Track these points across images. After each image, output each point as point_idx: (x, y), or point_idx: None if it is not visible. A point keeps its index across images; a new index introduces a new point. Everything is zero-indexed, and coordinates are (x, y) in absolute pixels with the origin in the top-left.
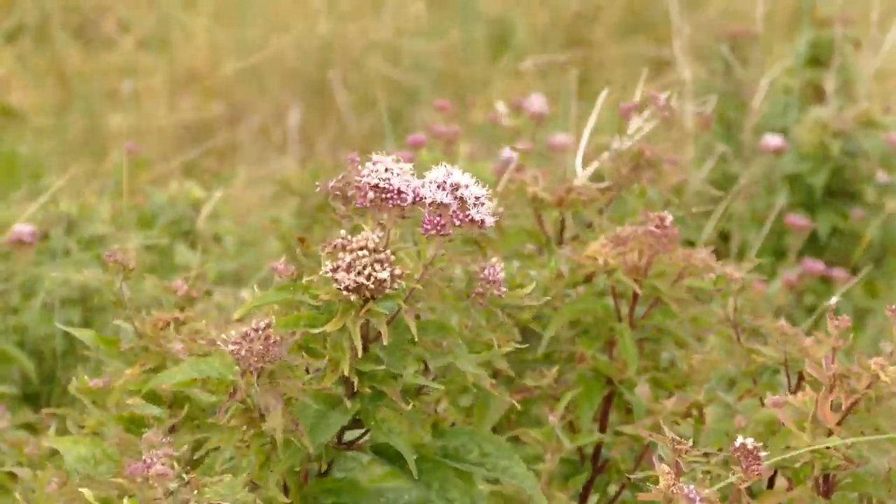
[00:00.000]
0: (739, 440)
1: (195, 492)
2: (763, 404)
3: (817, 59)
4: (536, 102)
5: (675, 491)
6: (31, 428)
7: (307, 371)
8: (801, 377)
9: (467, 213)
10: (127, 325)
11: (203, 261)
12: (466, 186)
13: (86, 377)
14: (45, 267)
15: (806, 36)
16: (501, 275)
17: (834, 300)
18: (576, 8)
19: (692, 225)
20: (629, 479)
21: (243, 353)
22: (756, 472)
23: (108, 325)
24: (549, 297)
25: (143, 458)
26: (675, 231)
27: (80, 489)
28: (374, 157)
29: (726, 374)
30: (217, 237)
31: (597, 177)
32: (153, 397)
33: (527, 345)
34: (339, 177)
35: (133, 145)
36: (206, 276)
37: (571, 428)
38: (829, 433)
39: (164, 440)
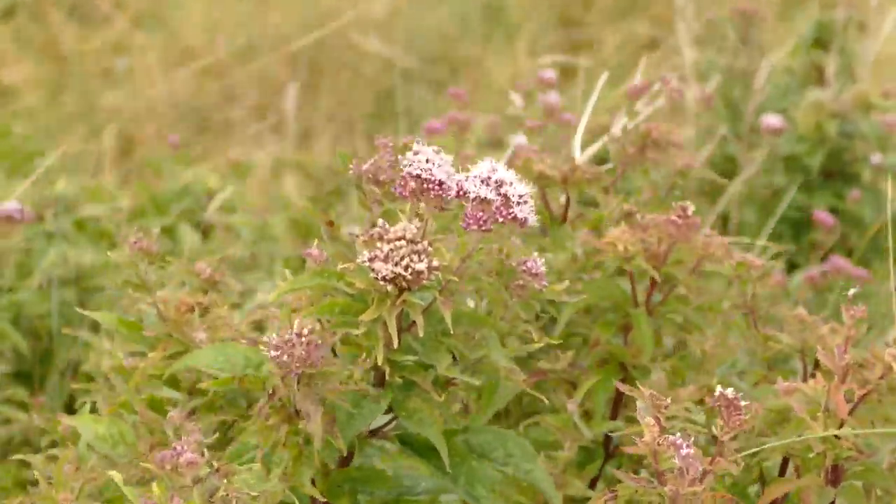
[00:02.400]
0: (719, 389)
1: (224, 480)
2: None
3: (821, 40)
4: (550, 94)
5: (661, 442)
6: (23, 406)
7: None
8: (817, 365)
9: (511, 210)
10: (150, 310)
11: (209, 246)
12: (511, 184)
13: (120, 355)
14: (39, 246)
15: (810, 17)
16: (543, 268)
17: (853, 291)
18: None
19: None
20: (642, 466)
21: (285, 358)
22: (738, 423)
23: (103, 307)
24: (559, 269)
25: (173, 445)
26: (697, 220)
27: (109, 472)
28: (416, 146)
29: (740, 362)
30: (231, 227)
31: (598, 158)
32: (173, 382)
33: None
34: (372, 160)
35: (174, 138)
36: (227, 259)
37: (586, 414)
38: (841, 423)
39: (191, 425)
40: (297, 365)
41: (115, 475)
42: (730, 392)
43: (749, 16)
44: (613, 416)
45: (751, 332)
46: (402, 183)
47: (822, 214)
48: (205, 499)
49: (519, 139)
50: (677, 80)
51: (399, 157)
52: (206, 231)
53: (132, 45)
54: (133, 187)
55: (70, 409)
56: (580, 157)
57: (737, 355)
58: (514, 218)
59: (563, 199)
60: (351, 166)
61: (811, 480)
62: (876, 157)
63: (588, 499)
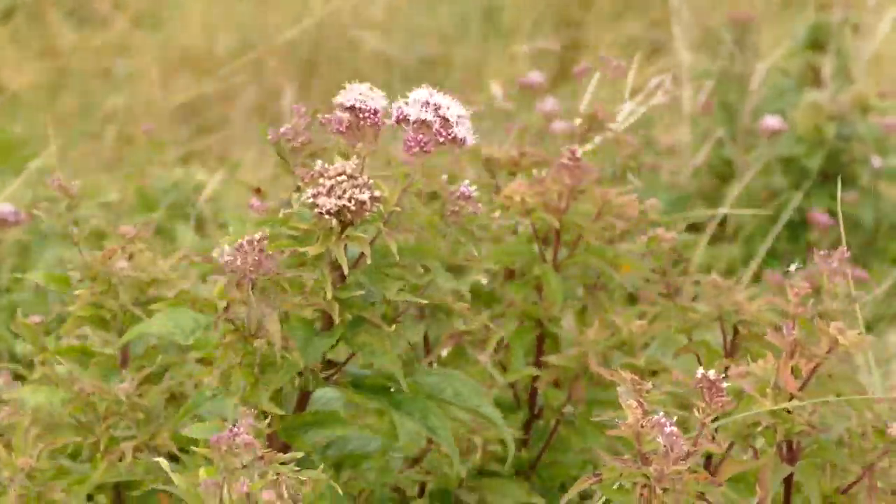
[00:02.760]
0: (700, 371)
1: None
2: (699, 361)
3: (817, 42)
4: (533, 76)
5: (644, 424)
6: None
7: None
8: (736, 331)
9: (450, 130)
10: (75, 260)
11: (205, 244)
12: (448, 106)
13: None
14: (35, 246)
15: (805, 19)
16: (475, 192)
17: (794, 267)
18: None
19: (688, 209)
20: (562, 415)
21: (238, 263)
22: (720, 405)
23: None
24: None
25: (228, 427)
26: (590, 165)
27: (156, 459)
28: (348, 84)
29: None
30: (221, 224)
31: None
32: (101, 325)
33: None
34: (290, 125)
35: (149, 126)
36: (153, 222)
37: (504, 370)
38: (791, 399)
39: (244, 409)
40: (251, 270)
41: (163, 462)
42: (711, 374)
43: (744, 21)
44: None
45: (668, 303)
46: (337, 119)
47: (818, 215)
48: (257, 482)
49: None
50: (673, 82)
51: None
52: (198, 227)
53: (131, 46)
54: (122, 184)
55: None
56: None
57: (660, 332)
58: (454, 138)
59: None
60: (268, 134)
61: (768, 459)
62: (876, 161)
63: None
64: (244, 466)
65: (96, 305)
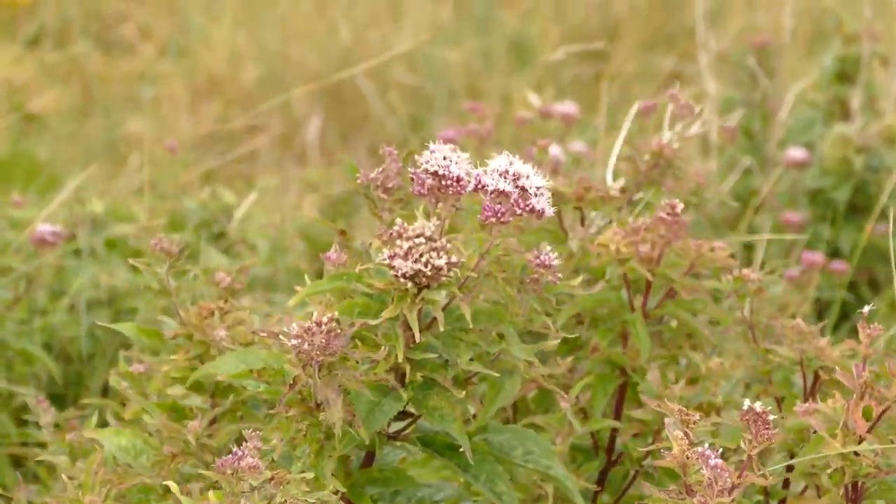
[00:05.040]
0: (747, 403)
1: (280, 488)
2: (778, 404)
3: (844, 74)
4: (566, 106)
5: (689, 455)
6: (56, 427)
7: (357, 362)
8: (816, 377)
9: (528, 202)
10: (170, 319)
11: (234, 265)
12: (528, 176)
13: (125, 364)
14: (71, 267)
15: (833, 51)
16: (556, 261)
17: (868, 308)
18: (596, 21)
19: (716, 237)
20: (641, 466)
21: (305, 346)
22: (766, 437)
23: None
24: (581, 277)
25: (233, 450)
26: (686, 219)
27: (166, 482)
28: (432, 145)
29: (742, 378)
30: (249, 243)
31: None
32: (195, 387)
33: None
34: (380, 168)
35: (173, 143)
36: (248, 269)
37: (586, 417)
38: (860, 440)
39: (250, 432)
40: (317, 353)
41: (173, 486)
42: (758, 406)
43: (767, 48)
44: (616, 420)
45: (750, 346)
46: (419, 181)
47: (789, 214)
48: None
49: (551, 150)
50: (702, 111)
51: (411, 161)
52: (227, 249)
53: (157, 74)
54: (150, 205)
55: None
56: (612, 184)
57: (738, 372)
58: (532, 209)
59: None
60: (359, 175)
61: (831, 499)
62: None
63: (585, 492)
64: (253, 489)
65: (191, 368)
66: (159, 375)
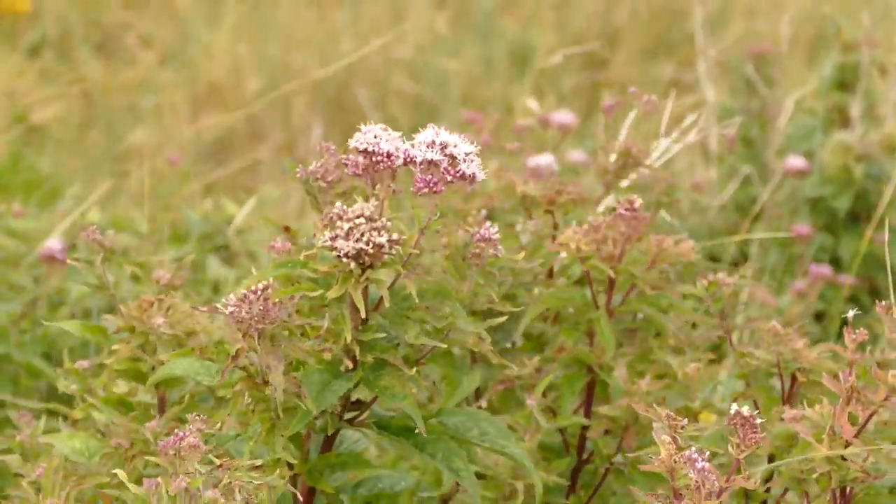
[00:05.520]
0: (734, 408)
1: (227, 473)
2: (757, 407)
3: (843, 82)
4: (563, 115)
5: (677, 460)
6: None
7: (302, 334)
8: (794, 379)
9: (458, 168)
10: (112, 317)
11: (237, 275)
12: (455, 145)
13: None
14: (72, 277)
15: (832, 59)
16: (497, 234)
17: (852, 313)
18: (596, 29)
19: (713, 246)
20: (612, 463)
21: (243, 314)
22: (754, 441)
23: None
24: (537, 262)
25: (175, 431)
26: (645, 215)
27: (115, 470)
28: (363, 126)
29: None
30: (251, 253)
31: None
32: (140, 378)
33: (503, 330)
34: (319, 162)
35: (175, 156)
36: (188, 265)
37: (554, 415)
38: (847, 445)
39: (193, 415)
40: (256, 320)
41: (121, 473)
42: (745, 410)
43: (765, 56)
44: (585, 416)
45: (727, 349)
46: (353, 161)
47: (799, 227)
48: (209, 486)
49: (541, 159)
50: (700, 120)
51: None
52: (229, 260)
53: (158, 83)
54: (151, 216)
55: None
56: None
57: (717, 377)
58: (463, 175)
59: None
60: (298, 170)
61: None
62: None
63: (557, 488)
64: (202, 475)
65: (134, 359)
66: (105, 371)
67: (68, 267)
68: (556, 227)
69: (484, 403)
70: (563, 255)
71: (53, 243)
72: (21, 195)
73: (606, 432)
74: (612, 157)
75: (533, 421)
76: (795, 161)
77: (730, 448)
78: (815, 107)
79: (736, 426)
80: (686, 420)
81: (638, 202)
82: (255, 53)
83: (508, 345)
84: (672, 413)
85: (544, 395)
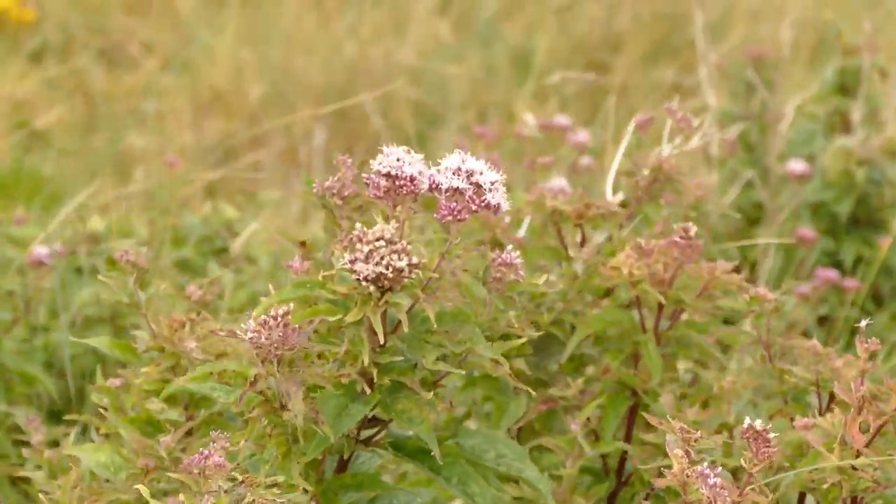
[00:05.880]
0: (747, 422)
1: (250, 490)
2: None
3: (844, 87)
4: (580, 133)
5: (689, 474)
6: (55, 444)
7: (320, 357)
8: (831, 397)
9: (483, 197)
10: (142, 333)
11: (237, 280)
12: (481, 172)
13: (101, 379)
14: (72, 284)
15: (833, 64)
16: (518, 259)
17: (864, 323)
18: (598, 34)
19: (719, 251)
20: (652, 489)
21: (262, 340)
22: (767, 455)
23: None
24: (563, 289)
25: (200, 450)
26: (700, 243)
27: (136, 486)
28: (385, 147)
29: (754, 397)
30: (251, 258)
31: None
32: (170, 399)
33: (549, 353)
34: (335, 177)
35: (174, 159)
36: (221, 281)
37: (596, 438)
38: (858, 455)
39: (217, 433)
40: (275, 346)
41: (143, 488)
42: (758, 424)
43: (766, 61)
44: (627, 442)
45: (766, 366)
46: (374, 183)
47: (803, 231)
48: (222, 498)
49: (556, 182)
50: (702, 124)
51: (366, 167)
52: (229, 264)
53: (160, 88)
54: (152, 220)
55: None
56: (612, 198)
57: (750, 391)
58: (488, 205)
59: (579, 233)
60: (314, 185)
61: None
62: None
63: None
64: (225, 491)
65: (163, 381)
66: (135, 389)
67: (61, 273)
68: (584, 240)
69: (522, 423)
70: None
71: (41, 249)
72: (23, 200)
73: (647, 457)
74: (644, 172)
75: (577, 446)
76: (797, 165)
77: (743, 462)
78: (817, 111)
79: (749, 440)
80: (700, 433)
81: (693, 230)
82: (257, 59)
83: (554, 367)
84: (685, 426)
85: (583, 412)
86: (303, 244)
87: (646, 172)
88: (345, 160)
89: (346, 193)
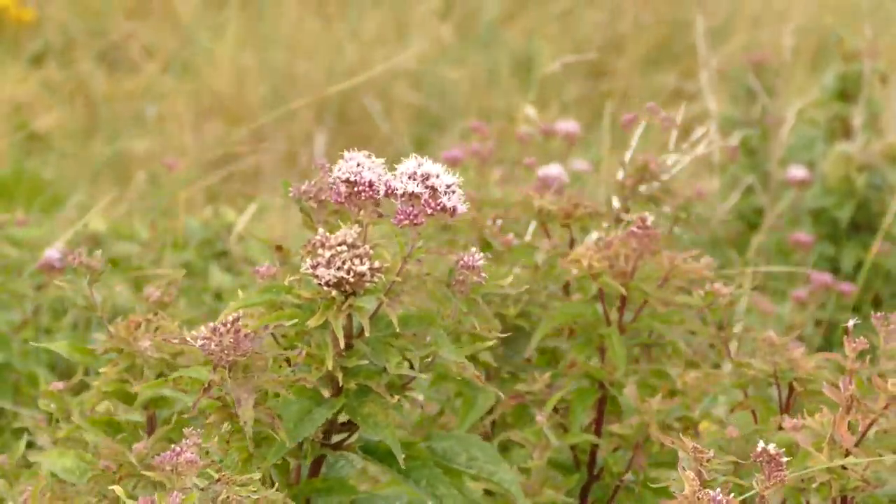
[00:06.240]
0: (761, 445)
1: (225, 488)
2: (755, 417)
3: (845, 92)
4: (569, 124)
5: (700, 497)
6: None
7: (281, 366)
8: (791, 389)
9: (439, 201)
10: (100, 335)
11: (237, 283)
12: (437, 176)
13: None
14: (74, 287)
15: (834, 69)
16: (480, 262)
17: (852, 322)
18: (600, 39)
19: (719, 257)
20: (622, 481)
21: (213, 346)
22: (779, 479)
23: None
24: (527, 286)
25: (172, 447)
26: (657, 232)
27: (112, 486)
28: (346, 153)
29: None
30: (250, 260)
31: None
32: (128, 400)
33: (517, 345)
34: (311, 181)
35: (172, 161)
36: (178, 282)
37: (565, 431)
38: (847, 454)
39: (188, 430)
40: (226, 353)
41: (118, 489)
42: (772, 448)
43: (766, 66)
44: (597, 435)
45: (725, 359)
46: (335, 190)
47: (799, 235)
48: (207, 501)
49: (549, 169)
50: (703, 130)
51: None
52: (230, 268)
53: (161, 91)
54: (152, 223)
55: None
56: (616, 203)
57: (718, 385)
58: (444, 208)
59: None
60: (291, 189)
61: None
62: None
63: None
64: (201, 489)
65: (121, 381)
66: (93, 391)
67: (67, 276)
68: (573, 241)
69: (495, 418)
70: (575, 271)
71: (52, 252)
72: (23, 203)
73: (616, 449)
74: (621, 173)
75: (543, 437)
76: (797, 171)
77: (755, 484)
78: (817, 117)
79: (762, 463)
80: (712, 452)
81: (650, 219)
82: (258, 63)
83: (523, 360)
84: (698, 446)
85: (556, 410)
86: (279, 248)
87: (630, 172)
88: (322, 163)
89: (322, 197)
